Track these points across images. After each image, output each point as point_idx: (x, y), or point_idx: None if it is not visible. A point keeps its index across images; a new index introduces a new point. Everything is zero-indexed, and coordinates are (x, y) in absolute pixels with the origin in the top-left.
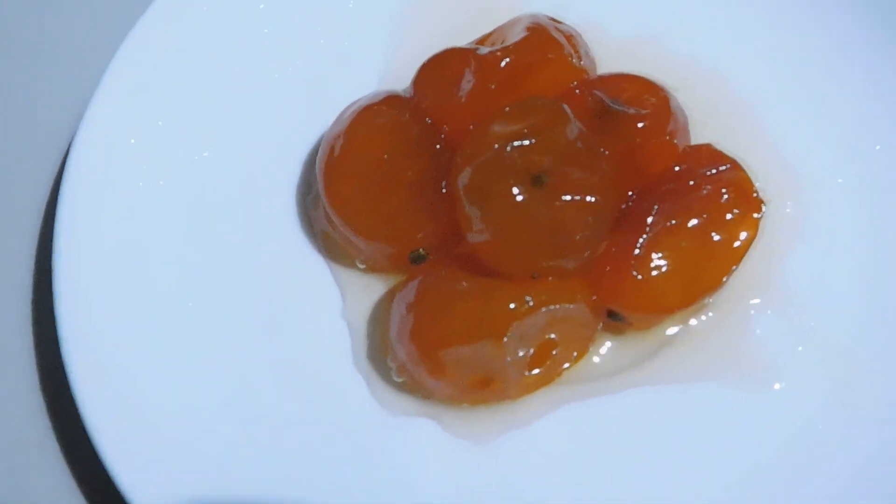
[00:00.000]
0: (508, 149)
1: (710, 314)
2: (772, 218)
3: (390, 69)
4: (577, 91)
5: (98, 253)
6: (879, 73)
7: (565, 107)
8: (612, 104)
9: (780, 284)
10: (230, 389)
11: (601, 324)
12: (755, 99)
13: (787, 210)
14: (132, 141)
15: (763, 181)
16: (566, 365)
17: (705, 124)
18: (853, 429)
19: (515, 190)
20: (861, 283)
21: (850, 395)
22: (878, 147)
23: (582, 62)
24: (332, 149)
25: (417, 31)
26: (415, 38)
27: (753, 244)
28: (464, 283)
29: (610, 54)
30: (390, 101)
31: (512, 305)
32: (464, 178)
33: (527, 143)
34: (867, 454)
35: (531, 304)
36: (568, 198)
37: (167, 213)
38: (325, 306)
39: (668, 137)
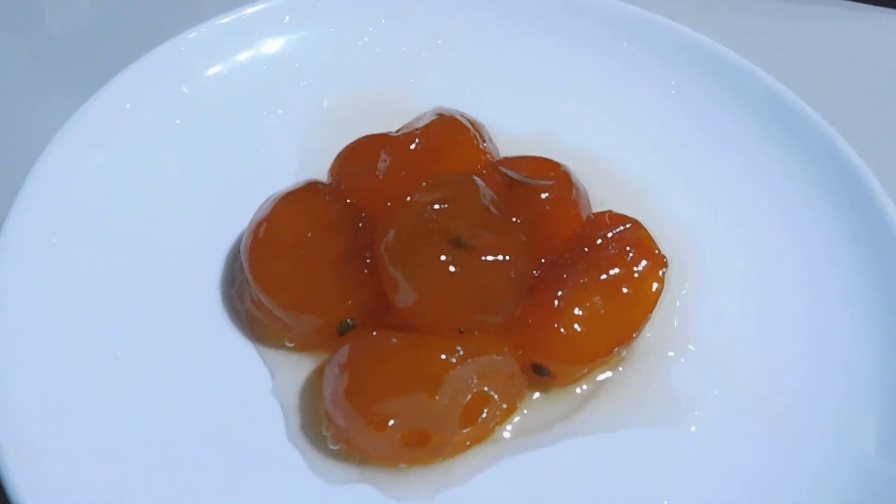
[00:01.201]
0: (427, 213)
1: (628, 366)
2: (673, 277)
3: (306, 168)
4: (484, 171)
5: (22, 349)
6: (737, 142)
7: (476, 178)
8: (518, 178)
9: (688, 335)
10: (163, 471)
11: (527, 380)
12: (644, 178)
13: (685, 268)
14: (53, 242)
15: (661, 246)
16: (497, 420)
17: (602, 202)
18: (766, 463)
19: (437, 251)
20: (759, 330)
21: (762, 429)
22: (752, 211)
23: (487, 146)
24: (255, 233)
25: (332, 132)
26: (329, 138)
27: (660, 301)
28: (394, 340)
29: (508, 148)
30: (310, 187)
31: (443, 356)
32: (387, 242)
33: (445, 207)
34: (783, 484)
35: (461, 353)
36: (487, 258)
37: (91, 308)
38: (254, 386)
39: (572, 205)
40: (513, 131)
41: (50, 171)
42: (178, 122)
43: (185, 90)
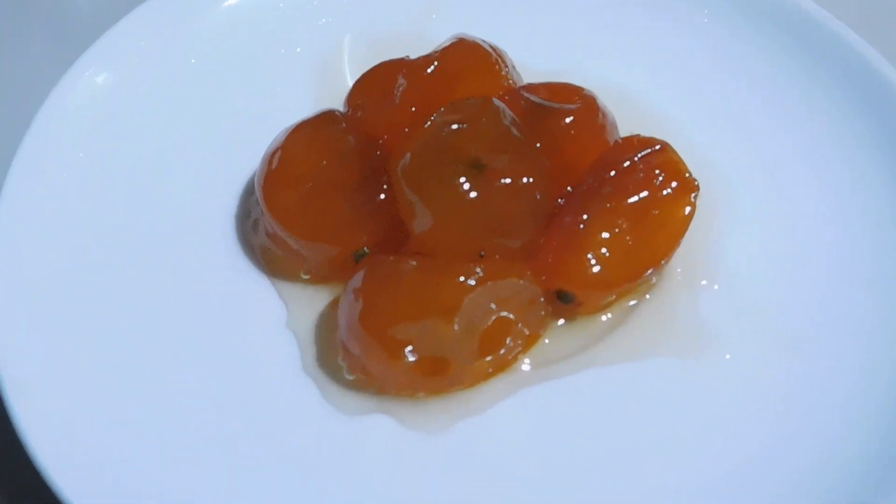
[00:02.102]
0: (445, 133)
1: (657, 294)
2: (702, 207)
3: (323, 105)
4: (506, 97)
5: (31, 287)
6: (768, 71)
7: (497, 101)
8: (541, 102)
9: (721, 264)
10: (179, 409)
11: (551, 308)
12: (673, 113)
13: (715, 198)
14: (64, 174)
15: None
16: (519, 349)
17: (630, 132)
18: (797, 395)
19: (455, 173)
20: (789, 261)
21: (793, 359)
22: (780, 141)
23: (509, 72)
24: (270, 163)
25: (351, 69)
26: (348, 75)
27: (690, 229)
28: (412, 263)
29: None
30: (326, 116)
31: (461, 278)
32: (404, 165)
33: (464, 127)
34: (812, 415)
35: (480, 275)
36: (507, 180)
37: (110, 244)
38: (270, 319)
39: (597, 129)
40: (537, 65)
41: (62, 105)
42: (193, 60)
43: (201, 27)
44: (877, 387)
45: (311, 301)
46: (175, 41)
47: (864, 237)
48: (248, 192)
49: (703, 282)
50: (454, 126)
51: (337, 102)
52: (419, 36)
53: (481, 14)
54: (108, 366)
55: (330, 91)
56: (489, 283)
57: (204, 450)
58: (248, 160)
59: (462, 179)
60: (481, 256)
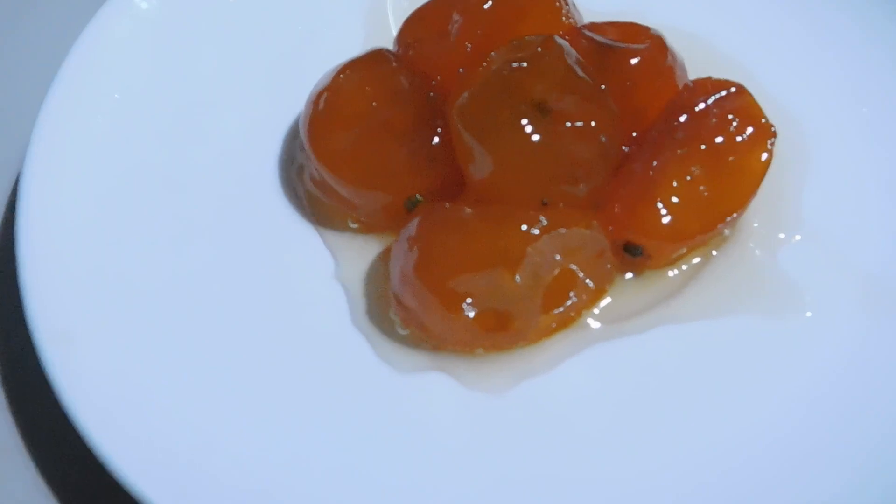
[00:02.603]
0: (506, 73)
1: (732, 247)
2: (779, 156)
3: (372, 43)
4: (567, 38)
5: (72, 236)
6: (851, 10)
7: (559, 39)
8: (606, 42)
9: (800, 216)
10: (223, 365)
11: (618, 261)
12: (745, 60)
13: (794, 146)
14: (102, 119)
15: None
16: (584, 305)
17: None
18: (883, 352)
19: (516, 115)
20: (877, 209)
21: (886, 318)
22: (862, 87)
23: (570, 10)
24: (316, 105)
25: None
26: (399, 11)
27: (767, 178)
28: (470, 211)
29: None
30: (375, 55)
31: (524, 227)
32: (461, 106)
33: (525, 66)
34: None
35: (545, 224)
36: (572, 123)
37: (150, 192)
38: (317, 271)
39: (666, 72)
40: (598, 6)
41: (99, 44)
42: None
43: None
44: None
45: (361, 251)
46: None
47: None
48: (293, 136)
49: (782, 235)
50: (515, 65)
51: (387, 41)
52: None
53: None
54: (150, 318)
55: (380, 28)
56: (554, 232)
57: (250, 408)
58: (292, 103)
59: (524, 121)
60: (545, 205)
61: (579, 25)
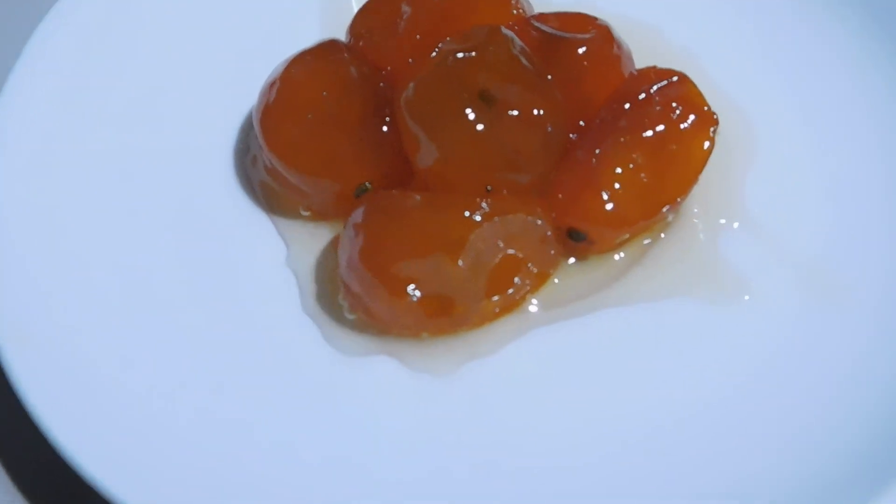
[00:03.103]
0: (451, 63)
1: (674, 233)
2: (722, 144)
3: (328, 33)
4: (516, 27)
5: (26, 229)
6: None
7: (506, 29)
8: (552, 32)
9: (741, 202)
10: (175, 347)
11: (562, 247)
12: (693, 48)
13: (737, 134)
14: (57, 112)
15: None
16: (528, 289)
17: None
18: (826, 338)
19: (461, 104)
20: (818, 199)
21: (821, 304)
22: (808, 74)
23: (519, 1)
24: (268, 95)
25: None
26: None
27: (709, 163)
28: (416, 198)
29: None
30: (327, 45)
31: (467, 213)
32: (407, 96)
33: (471, 56)
34: (841, 362)
35: (487, 210)
36: (516, 112)
37: (105, 182)
38: (269, 258)
39: (612, 61)
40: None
41: (51, 36)
42: None
43: None
44: None
45: (312, 238)
46: None
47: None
48: (248, 126)
49: (722, 220)
50: (460, 55)
51: (344, 30)
52: None
53: None
54: (105, 308)
55: (336, 18)
56: (496, 218)
57: (201, 391)
58: (248, 93)
59: (468, 110)
60: (489, 191)
61: (528, 15)
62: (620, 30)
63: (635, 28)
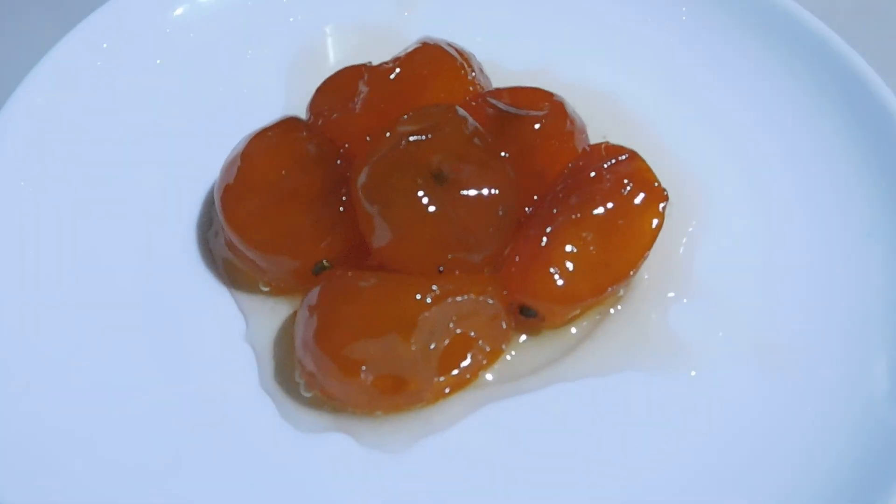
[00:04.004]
0: (405, 144)
1: (625, 307)
2: (675, 216)
3: (293, 107)
4: (472, 103)
5: None
6: (746, 73)
7: (460, 108)
8: (507, 109)
9: (689, 276)
10: (133, 421)
11: (514, 322)
12: (648, 115)
13: (688, 205)
14: (23, 183)
15: (664, 184)
16: (481, 365)
17: (603, 137)
18: (770, 410)
19: (414, 186)
20: (764, 271)
21: (763, 376)
22: (761, 145)
23: (475, 77)
24: (228, 172)
25: (321, 69)
26: (318, 76)
27: (660, 239)
28: (370, 280)
29: (504, 83)
30: (286, 123)
31: (418, 296)
32: (363, 177)
33: (423, 138)
34: (786, 432)
35: (438, 293)
36: (468, 192)
37: (65, 252)
38: (228, 332)
39: (566, 136)
40: (510, 65)
41: (25, 108)
42: (158, 61)
43: (167, 29)
44: (855, 405)
45: (271, 313)
46: (140, 40)
47: (841, 250)
48: (212, 200)
49: (671, 294)
50: (414, 137)
51: (306, 102)
52: (392, 36)
53: (453, 13)
54: (63, 378)
55: (299, 93)
56: (448, 300)
57: (158, 465)
58: (213, 165)
59: (421, 193)
60: (440, 272)
61: (486, 91)
62: (580, 96)
63: (595, 94)
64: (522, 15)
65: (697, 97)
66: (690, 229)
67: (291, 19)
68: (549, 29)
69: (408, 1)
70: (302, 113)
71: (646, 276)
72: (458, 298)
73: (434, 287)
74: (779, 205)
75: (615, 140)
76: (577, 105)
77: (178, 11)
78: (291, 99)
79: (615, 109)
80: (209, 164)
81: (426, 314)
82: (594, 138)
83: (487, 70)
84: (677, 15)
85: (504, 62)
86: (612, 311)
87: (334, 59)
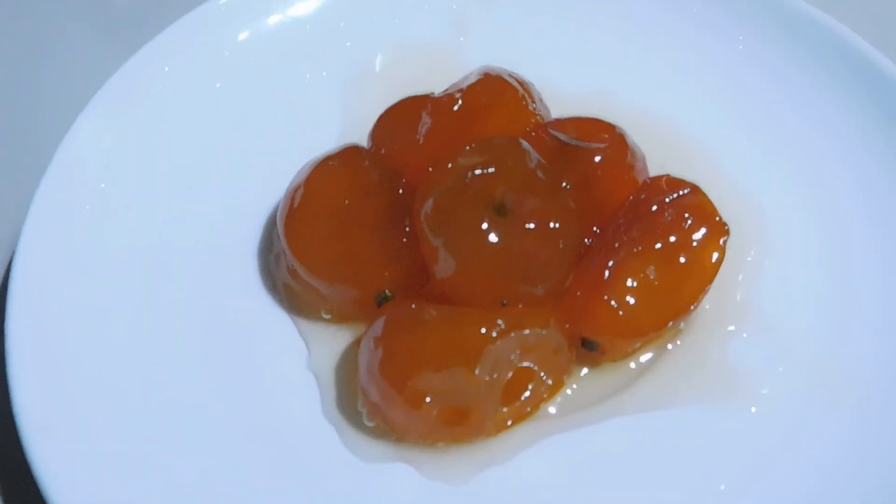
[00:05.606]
0: (469, 177)
1: (684, 340)
2: (735, 246)
3: (350, 132)
4: (533, 134)
5: (53, 322)
6: (810, 102)
7: (522, 141)
8: (568, 140)
9: (751, 309)
10: (193, 448)
11: (575, 355)
12: (707, 141)
13: (749, 236)
14: (88, 207)
15: (723, 214)
16: (542, 398)
17: (661, 166)
18: (838, 449)
19: (479, 218)
20: (827, 303)
21: (828, 412)
22: (823, 172)
23: (536, 107)
24: (292, 200)
25: (378, 94)
26: (375, 101)
27: (720, 271)
28: (433, 312)
29: (562, 109)
30: (349, 151)
31: (483, 330)
32: (426, 208)
33: (488, 171)
34: (854, 473)
35: (502, 327)
36: (531, 225)
37: (128, 277)
38: (290, 359)
39: (626, 168)
40: (568, 92)
41: (87, 134)
42: (218, 85)
43: (226, 52)
44: None
45: (333, 340)
46: (199, 66)
47: None
48: (272, 223)
49: (731, 327)
50: (478, 170)
51: (363, 128)
52: (445, 61)
53: (510, 38)
54: (126, 405)
55: (353, 117)
56: (512, 334)
57: (220, 493)
58: (273, 189)
59: (485, 225)
60: (504, 305)
61: (545, 121)
62: (639, 121)
63: (654, 119)
64: (577, 40)
65: (759, 127)
66: (749, 261)
67: (348, 44)
68: (603, 54)
69: (465, 27)
70: (358, 135)
71: (707, 307)
72: (523, 332)
73: (499, 321)
74: (843, 234)
75: (674, 168)
76: (635, 132)
77: (238, 35)
78: (348, 122)
79: (674, 138)
80: (269, 187)
81: (491, 347)
82: (653, 166)
83: (545, 95)
84: (734, 43)
85: (558, 87)
86: (673, 343)
87: (390, 84)
